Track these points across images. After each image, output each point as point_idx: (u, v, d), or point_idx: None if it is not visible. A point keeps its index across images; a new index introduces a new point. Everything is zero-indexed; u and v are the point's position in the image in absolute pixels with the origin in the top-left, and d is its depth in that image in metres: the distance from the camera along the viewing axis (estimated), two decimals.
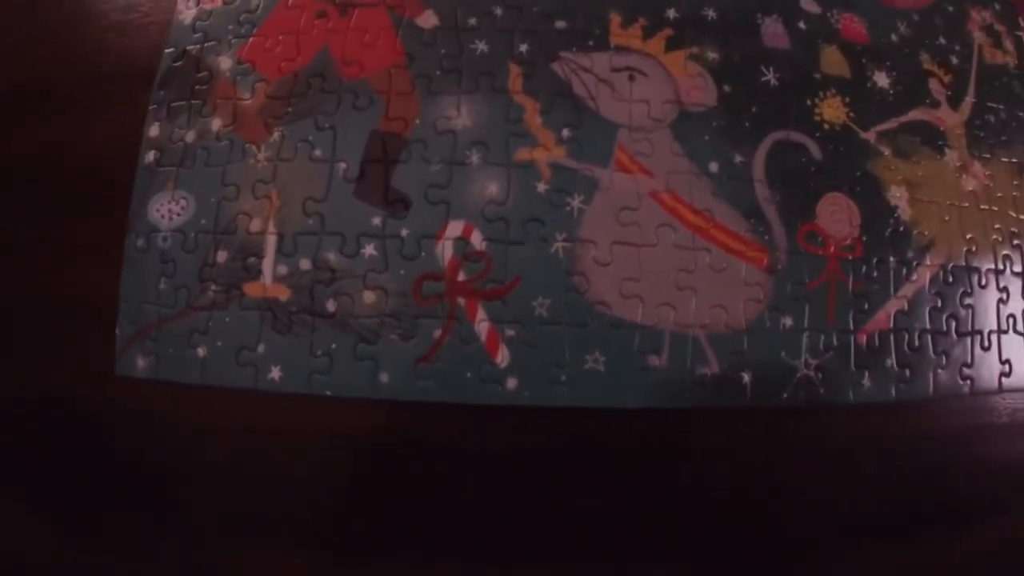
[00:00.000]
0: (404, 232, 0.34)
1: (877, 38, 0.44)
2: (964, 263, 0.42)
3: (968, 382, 0.41)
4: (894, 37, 0.44)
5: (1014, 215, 0.46)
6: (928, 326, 0.40)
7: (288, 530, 0.34)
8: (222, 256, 0.34)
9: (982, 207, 0.44)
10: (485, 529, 0.35)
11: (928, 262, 0.41)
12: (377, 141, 0.35)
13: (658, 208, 0.36)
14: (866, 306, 0.38)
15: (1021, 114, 0.48)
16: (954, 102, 0.45)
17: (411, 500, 0.34)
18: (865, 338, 0.38)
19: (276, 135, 0.35)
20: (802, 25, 0.41)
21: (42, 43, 0.39)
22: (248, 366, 0.34)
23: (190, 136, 0.36)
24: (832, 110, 0.40)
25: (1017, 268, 0.45)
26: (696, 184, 0.37)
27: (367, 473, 0.34)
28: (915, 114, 0.43)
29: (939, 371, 0.40)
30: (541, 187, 0.35)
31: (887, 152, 0.41)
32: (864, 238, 0.39)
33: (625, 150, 0.36)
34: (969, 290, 0.42)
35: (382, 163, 0.35)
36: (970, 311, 0.42)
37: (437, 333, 0.34)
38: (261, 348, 0.33)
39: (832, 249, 0.38)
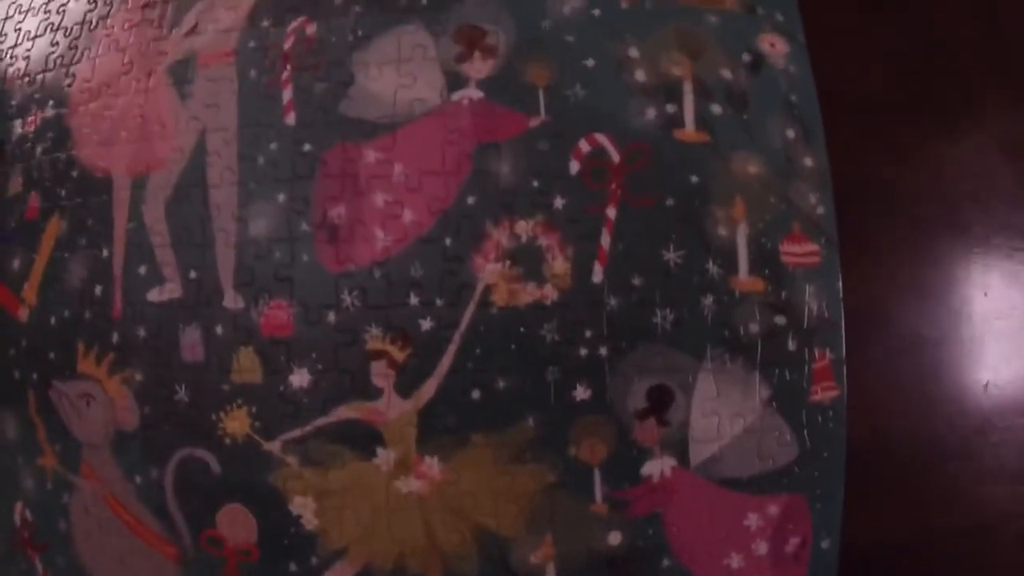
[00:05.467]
0: None
1: (303, 326, 0.40)
2: (391, 569, 0.40)
3: None
4: (332, 317, 0.39)
5: (492, 509, 0.39)
6: None
7: None
8: None
9: (427, 508, 0.39)
10: None
11: (338, 569, 0.41)
12: None
13: (107, 507, 0.46)
14: None
15: (549, 376, 0.38)
16: (408, 386, 0.39)
17: None
18: None
19: None
20: (219, 330, 0.41)
21: None
22: None
23: None
24: (236, 423, 0.41)
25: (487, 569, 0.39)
26: (129, 491, 0.45)
27: None
28: (342, 412, 0.40)
29: None
30: None
31: (293, 462, 0.40)
32: (262, 546, 0.41)
33: (87, 462, 0.46)
34: None
35: None
36: None
37: None
38: None
39: (229, 553, 0.42)
